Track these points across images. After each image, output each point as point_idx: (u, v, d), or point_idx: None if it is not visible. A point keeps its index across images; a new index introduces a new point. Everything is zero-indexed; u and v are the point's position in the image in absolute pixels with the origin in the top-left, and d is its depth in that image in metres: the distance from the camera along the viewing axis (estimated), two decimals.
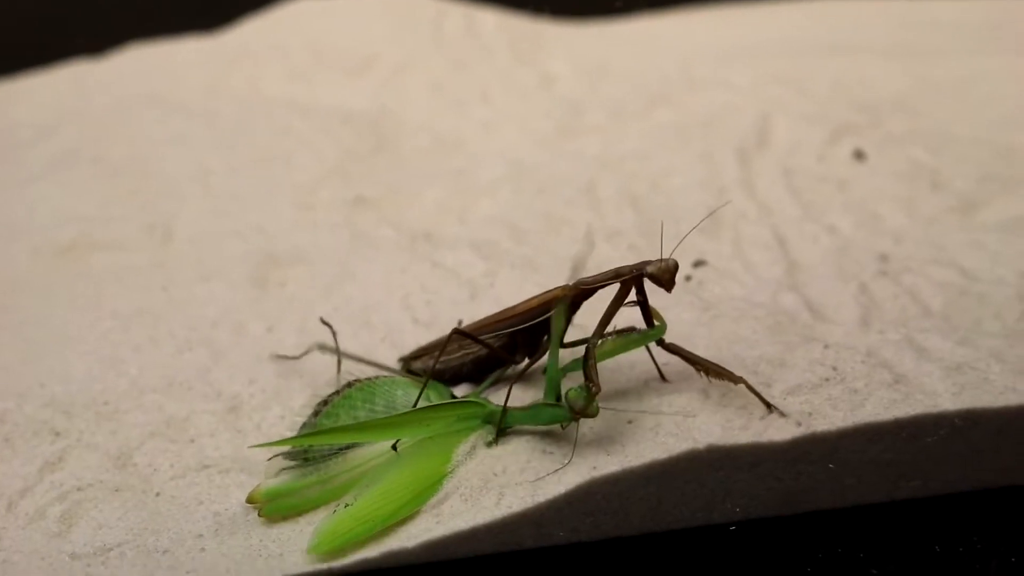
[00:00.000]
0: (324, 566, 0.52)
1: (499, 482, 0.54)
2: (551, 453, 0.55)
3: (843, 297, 0.68)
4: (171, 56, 1.19)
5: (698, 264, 0.73)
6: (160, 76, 1.14)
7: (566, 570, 0.55)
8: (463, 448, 0.57)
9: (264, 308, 0.73)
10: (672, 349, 0.58)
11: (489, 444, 0.57)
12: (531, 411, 0.56)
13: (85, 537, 0.55)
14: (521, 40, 1.18)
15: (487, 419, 0.57)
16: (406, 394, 0.59)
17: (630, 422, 0.57)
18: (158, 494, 0.58)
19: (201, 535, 0.55)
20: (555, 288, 0.59)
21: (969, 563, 0.55)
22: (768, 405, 0.56)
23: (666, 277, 0.56)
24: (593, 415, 0.54)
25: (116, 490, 0.58)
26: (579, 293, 0.59)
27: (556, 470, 0.54)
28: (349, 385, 0.59)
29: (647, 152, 0.90)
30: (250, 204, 0.87)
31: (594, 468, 0.53)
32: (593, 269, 0.73)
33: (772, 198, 0.81)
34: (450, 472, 0.55)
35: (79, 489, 0.58)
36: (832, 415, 0.55)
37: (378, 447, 0.57)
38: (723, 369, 0.57)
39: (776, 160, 0.87)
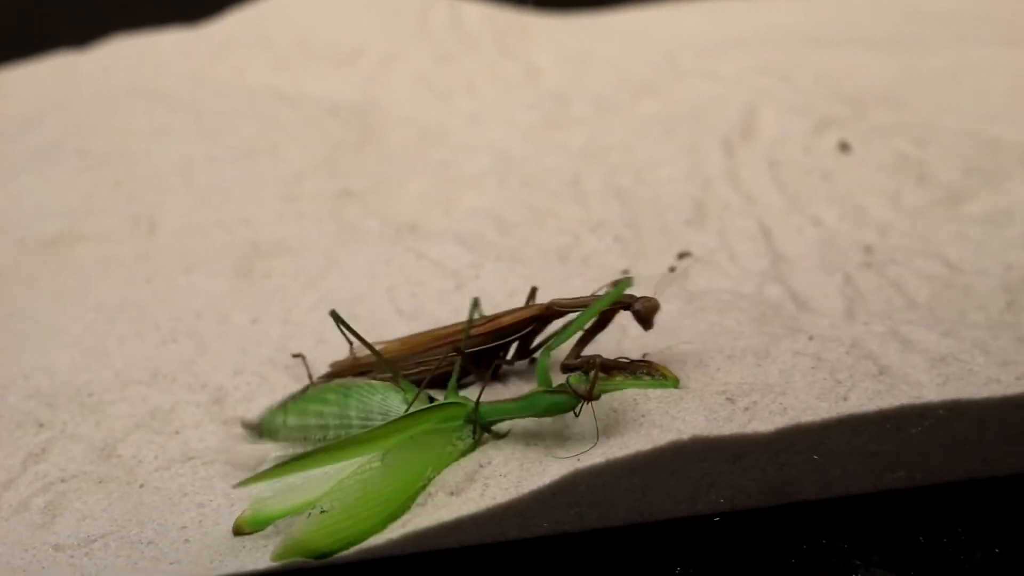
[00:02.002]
0: (305, 561, 0.52)
1: (484, 473, 0.54)
2: (535, 444, 0.55)
3: (828, 289, 0.68)
4: (156, 48, 1.18)
5: (683, 256, 0.73)
6: (144, 68, 1.13)
7: (551, 561, 0.55)
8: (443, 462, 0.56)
9: (249, 299, 0.73)
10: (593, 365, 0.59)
11: (473, 446, 0.56)
12: (526, 401, 0.55)
13: (69, 528, 0.55)
14: (506, 32, 1.18)
15: (468, 418, 0.56)
16: (384, 398, 0.59)
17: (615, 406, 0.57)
18: (142, 485, 0.57)
19: (185, 526, 0.55)
20: (533, 306, 0.60)
21: (954, 554, 0.55)
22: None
23: (650, 317, 0.58)
24: (597, 397, 0.54)
25: (100, 481, 0.58)
26: (552, 313, 0.60)
27: (586, 449, 0.54)
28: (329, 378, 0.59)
29: (632, 144, 0.90)
30: (235, 196, 0.87)
31: (578, 459, 0.53)
32: (579, 261, 0.73)
33: (757, 189, 0.81)
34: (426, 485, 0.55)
35: (63, 480, 0.58)
36: (817, 406, 0.55)
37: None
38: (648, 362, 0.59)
39: (761, 151, 0.87)
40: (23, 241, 0.82)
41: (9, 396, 0.65)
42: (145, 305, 0.73)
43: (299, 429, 0.58)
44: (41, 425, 0.62)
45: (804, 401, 0.56)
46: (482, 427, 0.56)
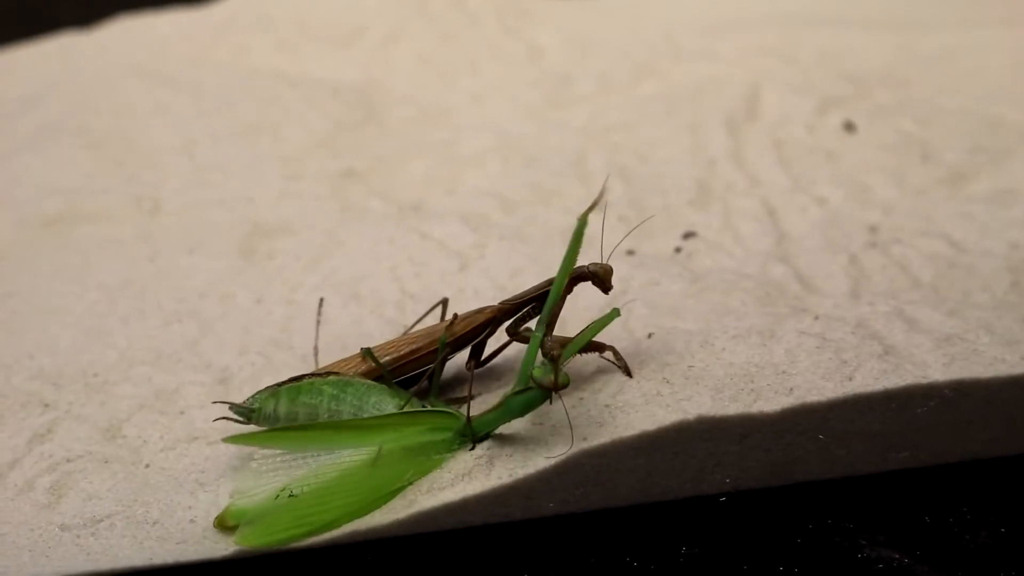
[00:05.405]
0: (311, 540, 0.52)
1: (489, 454, 0.54)
2: (540, 424, 0.55)
3: (833, 268, 0.68)
4: (157, 28, 1.18)
5: (688, 236, 0.73)
6: (147, 48, 1.13)
7: (555, 542, 0.55)
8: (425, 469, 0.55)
9: (252, 279, 0.73)
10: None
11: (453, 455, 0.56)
12: (503, 408, 0.54)
13: (75, 508, 0.55)
14: (508, 12, 1.18)
15: (461, 431, 0.55)
16: (379, 399, 0.58)
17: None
18: (148, 466, 0.57)
19: (191, 506, 0.55)
20: (486, 309, 0.60)
21: (959, 533, 0.55)
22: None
23: (608, 279, 0.59)
24: (566, 384, 0.53)
25: (106, 462, 0.58)
26: (504, 313, 0.60)
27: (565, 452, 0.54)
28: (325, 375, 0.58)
29: (634, 123, 0.90)
30: (237, 175, 0.86)
31: (584, 439, 0.53)
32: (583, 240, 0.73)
33: (761, 169, 0.81)
34: (405, 487, 0.54)
35: (68, 460, 0.58)
36: (822, 386, 0.55)
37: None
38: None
39: (765, 131, 0.87)
40: (23, 220, 0.82)
41: (13, 376, 0.65)
42: (147, 285, 0.73)
43: (288, 418, 0.57)
44: (46, 405, 0.62)
45: (809, 381, 0.56)
46: (474, 440, 0.56)
